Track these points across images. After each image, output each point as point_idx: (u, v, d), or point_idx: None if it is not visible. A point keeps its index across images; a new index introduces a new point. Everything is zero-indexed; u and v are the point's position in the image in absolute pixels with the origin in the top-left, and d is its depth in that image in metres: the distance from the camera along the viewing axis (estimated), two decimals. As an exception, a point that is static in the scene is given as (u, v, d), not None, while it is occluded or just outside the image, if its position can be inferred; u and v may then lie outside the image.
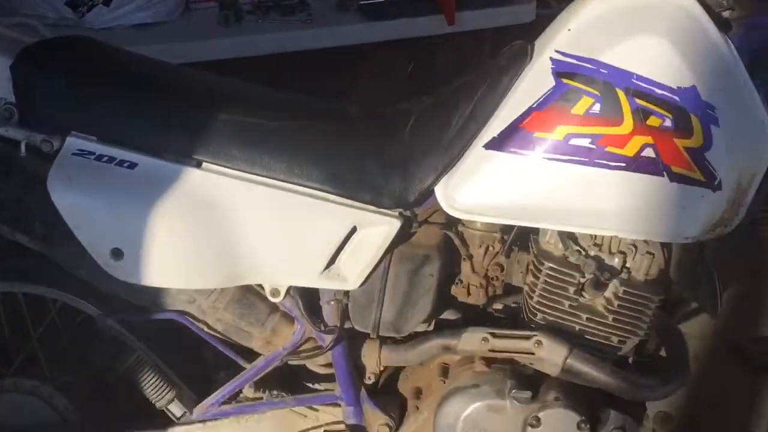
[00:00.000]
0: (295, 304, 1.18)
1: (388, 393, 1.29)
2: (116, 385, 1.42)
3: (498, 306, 1.27)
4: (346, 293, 1.18)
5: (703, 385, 2.06)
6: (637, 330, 1.17)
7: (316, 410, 1.27)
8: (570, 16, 1.08)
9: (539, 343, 1.15)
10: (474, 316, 1.27)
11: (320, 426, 1.26)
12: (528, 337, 1.16)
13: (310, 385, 1.31)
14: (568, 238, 1.15)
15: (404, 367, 1.30)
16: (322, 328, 1.19)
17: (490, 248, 1.22)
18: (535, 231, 1.18)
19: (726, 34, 1.05)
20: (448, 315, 1.29)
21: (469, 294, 1.24)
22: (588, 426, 1.15)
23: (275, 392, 1.27)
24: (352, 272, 1.14)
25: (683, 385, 1.18)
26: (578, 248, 1.15)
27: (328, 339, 1.19)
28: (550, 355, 1.15)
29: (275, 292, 1.17)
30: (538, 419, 1.15)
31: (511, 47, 1.14)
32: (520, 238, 1.22)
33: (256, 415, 1.27)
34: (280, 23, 2.02)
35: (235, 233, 1.12)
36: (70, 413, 1.35)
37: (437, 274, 1.18)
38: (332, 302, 1.18)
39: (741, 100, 1.04)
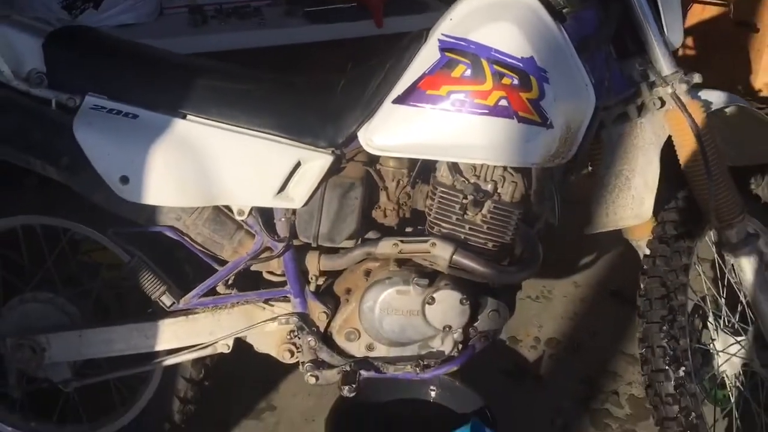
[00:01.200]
0: (256, 221, 1.59)
1: (326, 293, 1.71)
2: (112, 298, 1.83)
3: (407, 225, 1.71)
4: (294, 212, 1.59)
5: (587, 319, 2.54)
6: (504, 236, 1.61)
7: (272, 305, 1.68)
8: (452, 10, 1.53)
9: (433, 244, 1.59)
10: (389, 233, 1.70)
11: (275, 316, 1.67)
12: (425, 241, 1.60)
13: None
14: (454, 170, 1.59)
15: (338, 275, 1.73)
16: (276, 239, 1.60)
17: (400, 181, 1.65)
18: (433, 167, 1.62)
19: (561, 24, 1.51)
20: (371, 235, 1.72)
21: (385, 216, 1.67)
22: (468, 302, 1.58)
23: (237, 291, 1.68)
24: (298, 195, 1.56)
25: (533, 272, 1.62)
26: (463, 178, 1.60)
27: (280, 247, 1.60)
28: (440, 252, 1.58)
29: (241, 212, 1.58)
30: (433, 298, 1.58)
31: (411, 34, 1.58)
32: (422, 174, 1.66)
33: (226, 309, 1.67)
34: (238, 25, 2.45)
35: (211, 166, 1.53)
36: (78, 318, 1.73)
37: (360, 198, 1.60)
38: (283, 219, 1.60)
39: (568, 68, 1.50)
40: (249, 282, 1.71)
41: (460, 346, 1.70)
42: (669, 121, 1.59)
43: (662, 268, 1.62)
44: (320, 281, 1.70)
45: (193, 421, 1.89)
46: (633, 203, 1.56)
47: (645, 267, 1.66)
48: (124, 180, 1.51)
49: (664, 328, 1.57)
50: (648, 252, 1.69)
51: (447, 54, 1.49)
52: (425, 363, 1.69)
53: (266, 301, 1.69)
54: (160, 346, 1.68)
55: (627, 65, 1.62)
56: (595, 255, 2.83)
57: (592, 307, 2.60)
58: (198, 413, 1.89)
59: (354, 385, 1.60)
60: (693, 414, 1.55)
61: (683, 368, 1.56)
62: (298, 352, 1.71)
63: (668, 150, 1.65)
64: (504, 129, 1.49)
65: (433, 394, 2.04)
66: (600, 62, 1.58)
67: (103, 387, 1.83)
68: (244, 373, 2.15)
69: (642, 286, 1.64)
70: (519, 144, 1.50)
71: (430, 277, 1.63)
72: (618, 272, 2.73)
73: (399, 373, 1.70)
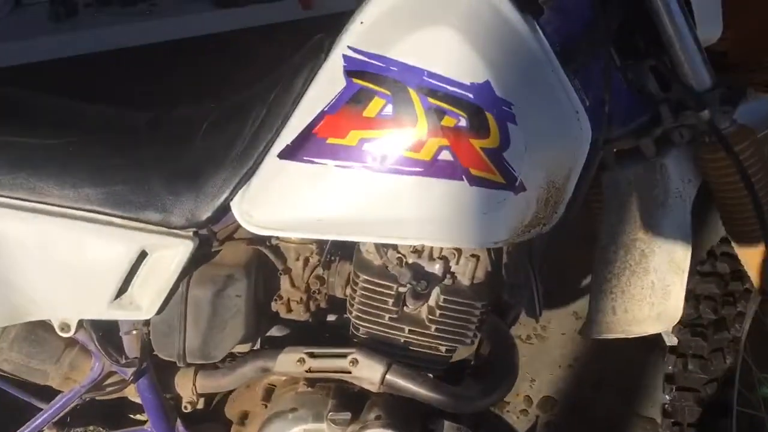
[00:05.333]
0: (90, 338, 1.08)
1: (213, 419, 1.20)
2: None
3: (324, 320, 1.19)
4: (146, 322, 1.08)
5: (592, 364, 2.03)
6: (463, 338, 1.09)
7: (134, 445, 1.18)
8: (364, 6, 0.98)
9: (355, 361, 1.07)
10: (300, 332, 1.19)
11: (135, 464, 1.17)
12: (345, 356, 1.08)
13: (132, 416, 1.21)
14: (383, 246, 1.07)
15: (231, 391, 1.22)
16: (122, 361, 1.09)
17: (309, 260, 1.14)
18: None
19: (535, 20, 0.96)
20: (277, 332, 1.21)
21: (290, 310, 1.15)
22: (412, 444, 1.08)
23: (82, 429, 1.17)
24: (146, 300, 1.04)
25: (507, 392, 1.11)
26: (399, 255, 1.07)
27: (129, 372, 1.09)
28: (367, 374, 1.07)
29: (65, 327, 1.06)
30: (359, 442, 1.08)
31: (309, 42, 1.04)
32: (341, 248, 1.14)
33: (68, 455, 1.17)
34: (119, 16, 1.86)
35: (7, 267, 1.01)
36: None
37: (246, 294, 1.08)
38: (133, 332, 1.08)
39: (547, 92, 0.96)
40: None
41: (409, 487, 1.19)
42: (706, 161, 1.05)
43: (696, 375, 1.10)
44: (201, 404, 1.19)
45: None
46: (653, 295, 1.03)
47: (670, 369, 1.14)
48: None
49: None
50: (674, 342, 1.17)
51: (355, 81, 0.95)
52: None
53: (125, 441, 1.18)
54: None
55: (638, 76, 1.08)
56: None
57: (599, 347, 2.08)
58: None
59: None
60: None
61: None
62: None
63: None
64: (449, 196, 0.96)
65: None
66: (597, 74, 1.03)
67: None
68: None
69: (668, 399, 1.12)
70: (473, 217, 0.97)
71: (357, 401, 1.11)
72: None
73: None
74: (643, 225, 1.04)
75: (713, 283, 1.15)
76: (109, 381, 1.12)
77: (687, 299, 1.16)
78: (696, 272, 1.18)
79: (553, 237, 1.15)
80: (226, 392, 1.22)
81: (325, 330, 1.20)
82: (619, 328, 1.06)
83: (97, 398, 1.14)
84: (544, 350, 2.07)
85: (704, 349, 1.10)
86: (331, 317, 1.21)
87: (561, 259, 1.97)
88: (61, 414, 1.12)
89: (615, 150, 1.11)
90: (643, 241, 1.03)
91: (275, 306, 1.15)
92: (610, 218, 1.10)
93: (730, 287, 1.15)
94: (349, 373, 1.08)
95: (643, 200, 1.05)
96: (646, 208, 1.04)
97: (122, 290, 1.03)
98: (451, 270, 1.09)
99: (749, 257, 1.10)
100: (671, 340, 1.18)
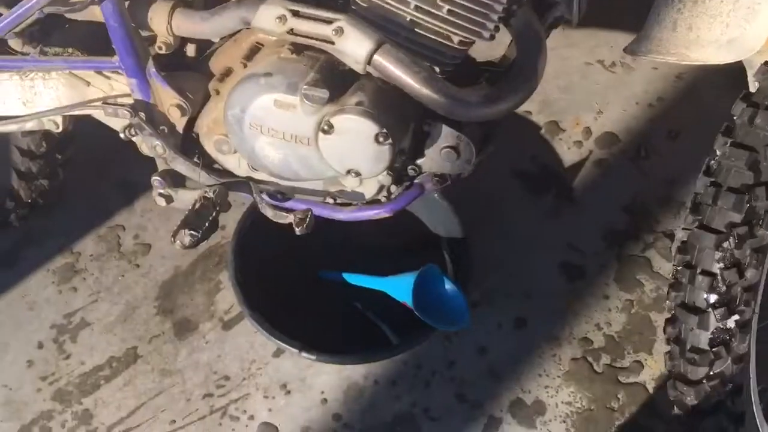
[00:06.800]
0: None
1: (192, 70, 1.06)
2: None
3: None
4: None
5: (670, 112, 1.76)
6: (481, 29, 0.88)
7: (107, 77, 1.07)
8: None
9: (340, 30, 0.88)
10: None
11: (106, 96, 1.07)
12: (331, 21, 0.89)
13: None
14: None
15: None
16: (80, -27, 0.93)
17: None
18: None
19: None
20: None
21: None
22: (389, 141, 0.91)
23: (54, 49, 1.07)
24: None
25: (516, 106, 0.91)
26: None
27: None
28: (352, 48, 0.89)
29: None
30: (331, 125, 0.92)
31: None
32: None
33: (41, 73, 1.08)
34: None
35: None
36: None
37: None
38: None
39: None
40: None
41: (394, 188, 1.07)
42: None
43: (762, 132, 0.86)
44: (191, 51, 1.05)
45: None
46: (733, 13, 0.75)
47: (734, 117, 0.90)
48: None
49: (726, 245, 0.87)
50: (755, 87, 0.91)
51: None
52: (339, 201, 1.10)
53: (100, 72, 1.07)
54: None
55: None
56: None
57: (691, 91, 1.78)
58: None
59: (198, 232, 1.03)
60: (728, 386, 0.92)
61: (736, 317, 0.89)
62: (158, 146, 1.14)
63: None
64: None
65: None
66: None
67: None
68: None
69: (717, 153, 0.90)
70: None
71: (342, 81, 0.94)
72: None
73: (300, 203, 1.11)
74: None
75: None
76: (73, -2, 0.98)
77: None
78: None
79: None
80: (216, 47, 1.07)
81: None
82: (674, 48, 0.80)
83: (66, 17, 1.01)
84: (626, 82, 1.79)
85: (784, 102, 0.85)
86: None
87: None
88: (23, 23, 1.00)
89: None
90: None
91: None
92: None
93: None
94: (332, 43, 0.90)
95: None
96: None
97: None
98: (486, -64, 0.84)
99: None
100: (752, 84, 0.92)
